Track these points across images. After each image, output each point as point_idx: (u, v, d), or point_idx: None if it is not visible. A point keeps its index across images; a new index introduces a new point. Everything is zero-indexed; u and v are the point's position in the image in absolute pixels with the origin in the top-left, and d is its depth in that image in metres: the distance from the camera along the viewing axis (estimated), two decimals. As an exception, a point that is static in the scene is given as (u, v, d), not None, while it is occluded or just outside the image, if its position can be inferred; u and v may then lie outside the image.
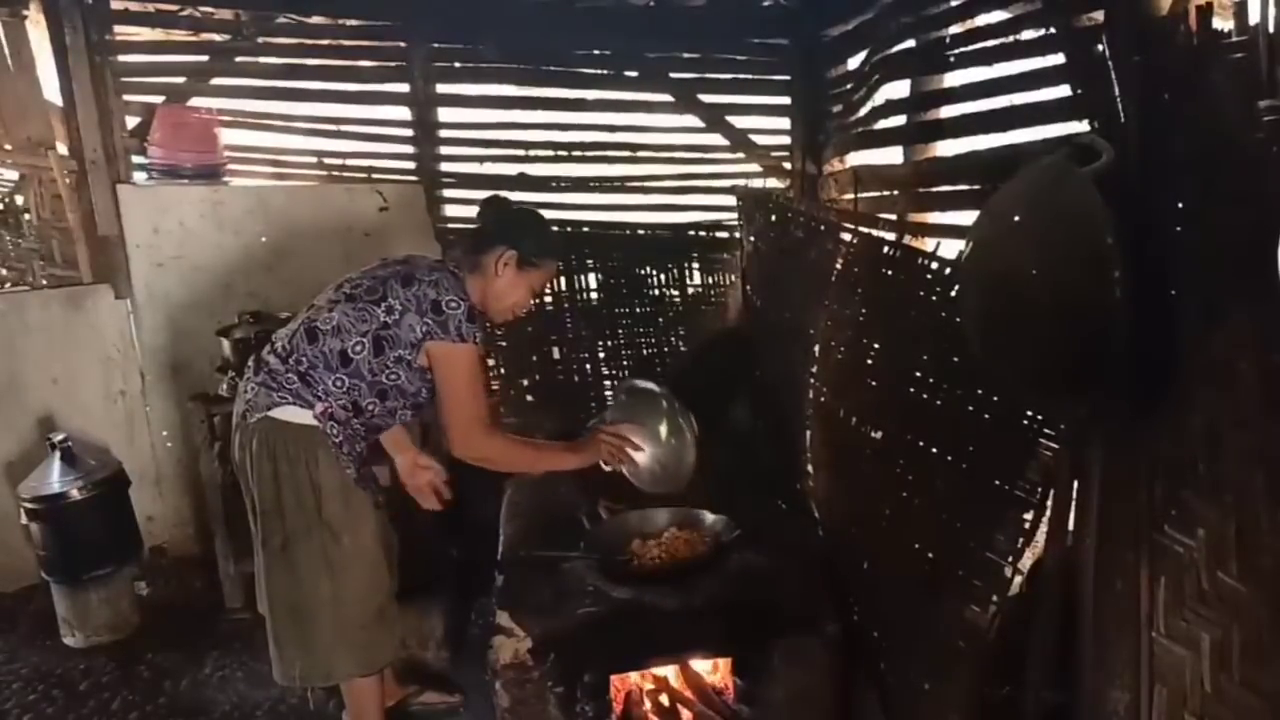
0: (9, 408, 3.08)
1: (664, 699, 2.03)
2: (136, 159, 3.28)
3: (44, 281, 3.46)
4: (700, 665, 2.06)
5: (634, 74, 3.60)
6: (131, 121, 3.26)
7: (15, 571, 3.05)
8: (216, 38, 3.32)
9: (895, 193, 2.83)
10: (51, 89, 3.18)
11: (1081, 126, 1.67)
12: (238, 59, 3.35)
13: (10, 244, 3.89)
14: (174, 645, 2.76)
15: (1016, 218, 1.39)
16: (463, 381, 1.89)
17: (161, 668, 2.65)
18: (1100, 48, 1.52)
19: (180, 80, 3.32)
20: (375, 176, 3.50)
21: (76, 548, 2.73)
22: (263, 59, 3.37)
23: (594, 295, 3.62)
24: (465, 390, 1.89)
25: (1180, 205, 1.27)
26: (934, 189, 2.63)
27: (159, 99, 3.27)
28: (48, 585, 2.80)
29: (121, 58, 3.22)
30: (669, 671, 2.06)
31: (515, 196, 3.35)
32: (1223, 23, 1.21)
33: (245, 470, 1.88)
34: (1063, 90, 1.97)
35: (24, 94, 3.16)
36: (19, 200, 3.79)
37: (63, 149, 3.20)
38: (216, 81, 3.35)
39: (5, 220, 3.90)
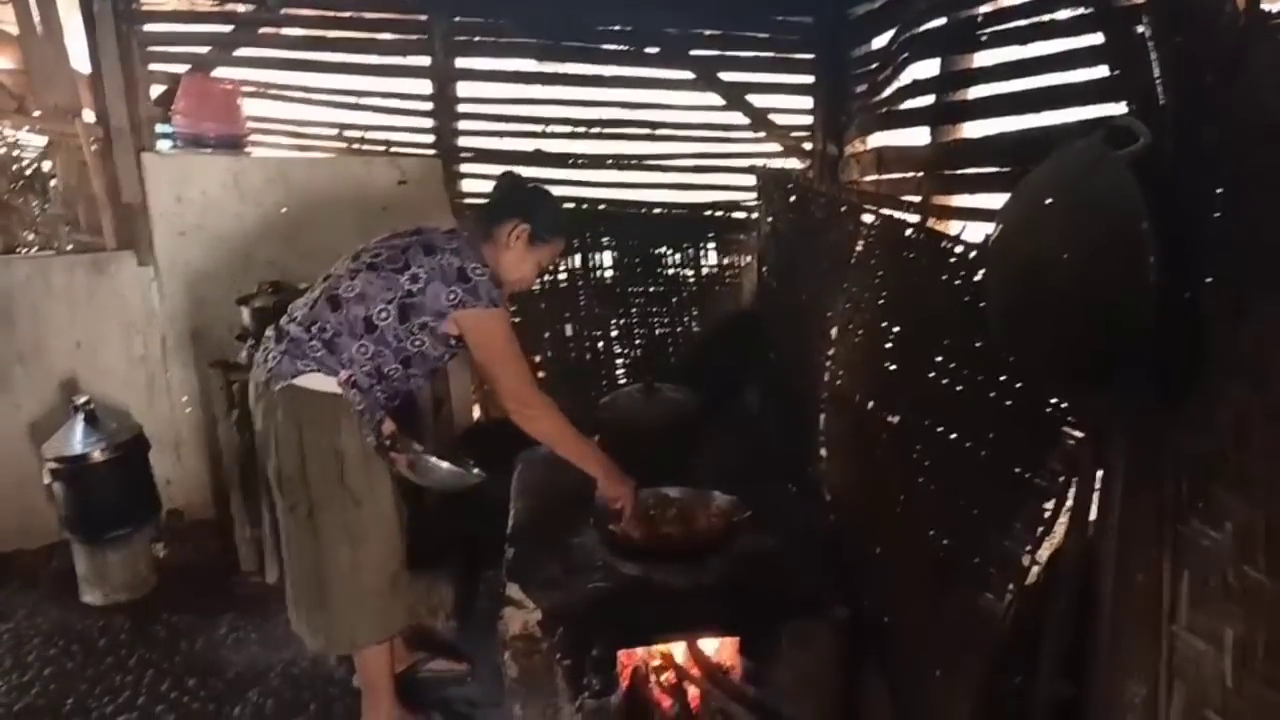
0: (34, 370, 3.13)
1: (670, 676, 2.04)
2: (161, 128, 3.30)
3: (69, 247, 3.50)
4: (708, 644, 2.07)
5: (654, 51, 3.56)
6: (156, 90, 3.28)
7: (37, 530, 3.12)
8: (241, 8, 3.32)
9: (920, 174, 2.79)
10: (79, 56, 3.20)
11: (1117, 109, 1.63)
12: (261, 30, 3.35)
13: (37, 209, 3.93)
14: (190, 606, 2.81)
15: (1048, 200, 1.35)
16: (505, 343, 1.92)
17: (177, 627, 2.70)
18: (1140, 28, 1.47)
19: (205, 50, 3.33)
20: (394, 150, 3.50)
21: (97, 508, 2.79)
22: (286, 30, 3.37)
23: (608, 273, 3.62)
24: (510, 351, 1.93)
25: (1218, 191, 1.23)
26: (961, 171, 2.58)
27: (184, 68, 3.29)
28: (68, 544, 2.86)
29: (148, 26, 3.24)
30: (676, 649, 2.07)
31: (532, 173, 3.36)
32: (1271, 4, 1.17)
33: (269, 438, 1.89)
34: (1099, 71, 1.92)
35: (52, 61, 3.17)
36: (46, 166, 3.83)
37: (89, 116, 3.22)
38: (240, 52, 3.36)
39: (32, 185, 3.94)
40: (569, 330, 3.61)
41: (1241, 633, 1.14)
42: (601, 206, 3.60)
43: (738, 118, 3.69)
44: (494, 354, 1.92)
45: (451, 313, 1.86)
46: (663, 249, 3.62)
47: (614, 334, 3.64)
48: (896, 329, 2.00)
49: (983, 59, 2.56)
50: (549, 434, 2.03)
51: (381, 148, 3.50)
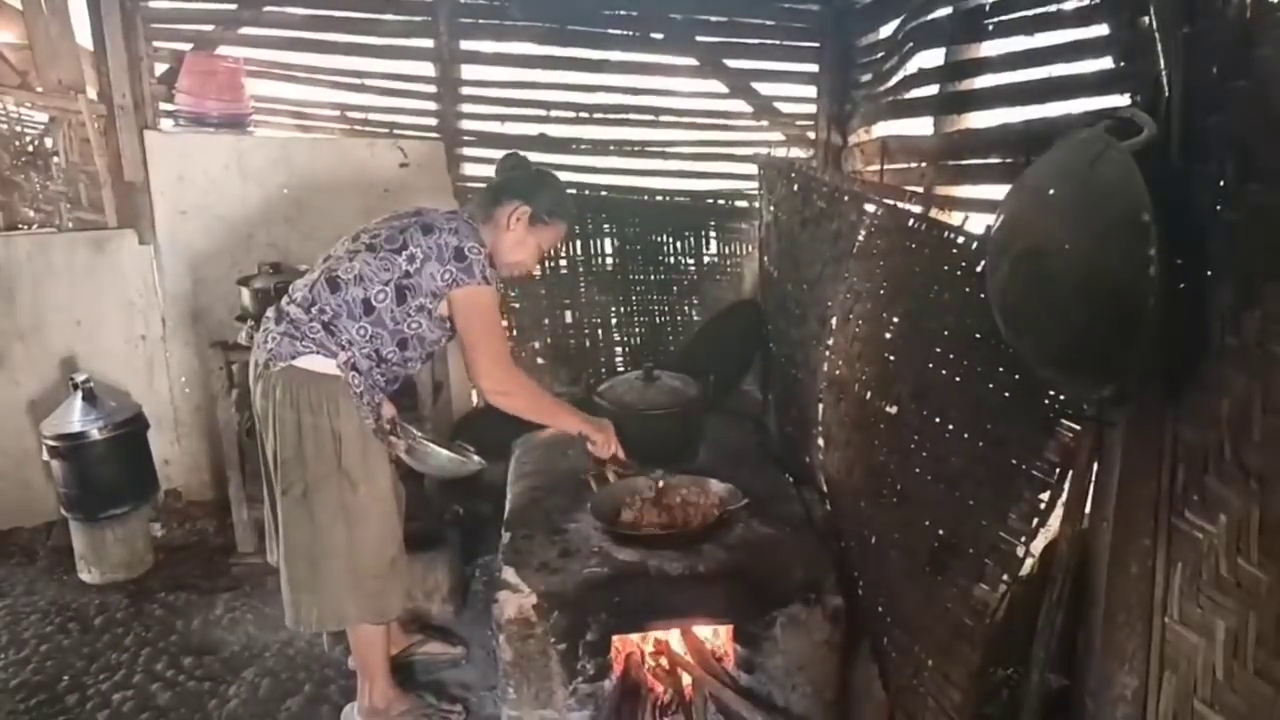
0: (33, 347, 3.13)
1: (664, 662, 2.05)
2: (164, 106, 3.29)
3: (70, 224, 3.49)
4: (702, 631, 2.07)
5: (659, 36, 3.53)
6: (160, 68, 3.27)
7: (36, 507, 3.13)
8: (245, -14, 3.30)
9: (923, 165, 2.77)
10: (83, 33, 3.18)
11: (1122, 101, 1.62)
12: (265, 9, 3.33)
13: (39, 186, 3.92)
14: (186, 586, 2.82)
15: (1051, 191, 1.34)
16: (489, 320, 1.93)
17: (173, 606, 2.71)
18: (1146, 19, 1.45)
19: (209, 28, 3.31)
20: (397, 132, 3.48)
21: (95, 486, 2.79)
22: (290, 9, 3.34)
23: (609, 260, 3.61)
24: (492, 328, 1.94)
25: (1221, 183, 1.22)
26: (965, 162, 2.56)
27: (188, 46, 3.27)
28: (66, 521, 2.87)
29: (152, 3, 3.22)
30: (670, 636, 2.07)
31: (535, 157, 3.34)
32: (1278, -7, 1.15)
33: (267, 418, 1.89)
34: (1105, 62, 1.91)
35: (56, 37, 3.16)
36: (49, 143, 3.81)
37: (92, 93, 3.21)
38: (244, 31, 3.34)
39: (34, 162, 3.93)
40: (569, 317, 3.61)
41: (1233, 625, 1.14)
42: (603, 193, 3.59)
43: (741, 105, 3.66)
44: (475, 328, 1.91)
45: (446, 293, 1.86)
46: (664, 236, 3.61)
47: (614, 321, 3.64)
48: (897, 319, 2.00)
49: (988, 49, 2.53)
50: (523, 410, 2.07)
51: (384, 130, 3.48)
